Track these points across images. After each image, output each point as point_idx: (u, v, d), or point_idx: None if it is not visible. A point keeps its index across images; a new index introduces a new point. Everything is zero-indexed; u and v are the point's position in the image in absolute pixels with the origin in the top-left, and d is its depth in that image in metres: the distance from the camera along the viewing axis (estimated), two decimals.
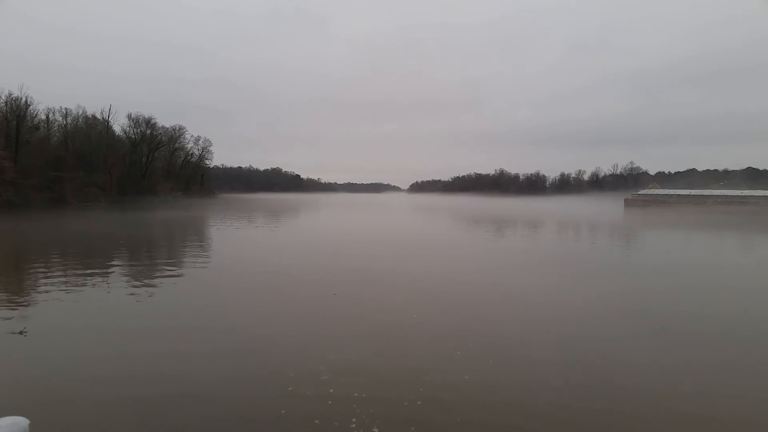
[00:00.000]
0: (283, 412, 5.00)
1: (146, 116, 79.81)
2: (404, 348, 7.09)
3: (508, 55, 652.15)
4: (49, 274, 12.66)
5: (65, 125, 69.97)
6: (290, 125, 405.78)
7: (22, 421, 2.07)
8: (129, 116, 77.98)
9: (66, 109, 69.79)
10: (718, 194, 72.78)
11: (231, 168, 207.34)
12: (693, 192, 77.59)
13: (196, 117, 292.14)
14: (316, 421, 4.80)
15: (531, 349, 7.16)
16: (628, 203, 78.62)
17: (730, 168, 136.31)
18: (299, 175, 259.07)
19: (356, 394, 5.42)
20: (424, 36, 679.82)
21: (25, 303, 9.62)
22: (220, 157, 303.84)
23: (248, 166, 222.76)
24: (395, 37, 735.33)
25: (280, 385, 5.66)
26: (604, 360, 6.72)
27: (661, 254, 20.45)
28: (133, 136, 77.63)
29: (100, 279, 12.16)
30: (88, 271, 13.21)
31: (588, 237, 28.46)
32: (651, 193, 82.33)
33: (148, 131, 79.25)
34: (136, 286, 11.30)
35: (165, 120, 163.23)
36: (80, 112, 71.06)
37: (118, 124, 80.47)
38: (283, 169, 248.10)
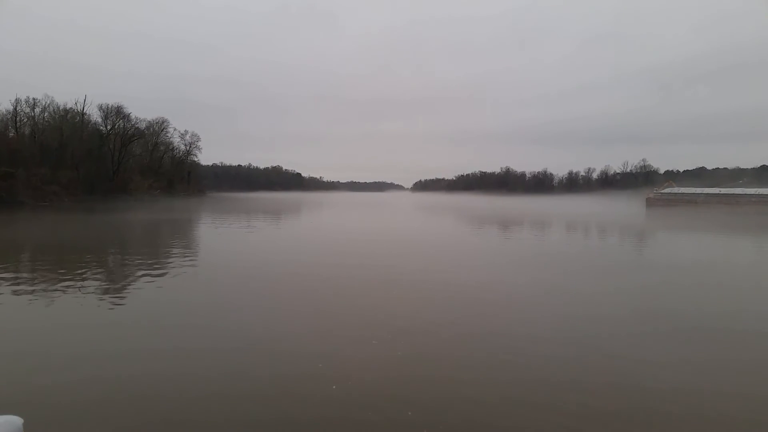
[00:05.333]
0: (281, 412, 4.94)
1: (115, 105, 72.80)
2: (409, 347, 6.94)
3: (518, 50, 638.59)
4: None
5: (33, 116, 64.17)
6: (295, 123, 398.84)
7: (16, 420, 2.02)
8: (100, 107, 71.27)
9: (34, 99, 63.92)
10: (752, 193, 65.32)
11: (230, 166, 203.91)
12: (723, 191, 70.24)
13: (199, 114, 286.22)
14: (315, 421, 4.75)
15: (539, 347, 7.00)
16: (650, 203, 71.49)
17: (743, 166, 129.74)
18: (300, 174, 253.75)
19: (357, 394, 5.36)
20: (433, 31, 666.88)
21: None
22: (222, 155, 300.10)
23: (248, 164, 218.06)
24: (404, 33, 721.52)
25: (279, 384, 5.60)
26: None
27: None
28: (103, 129, 71.09)
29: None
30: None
31: (621, 243, 22.10)
32: (675, 191, 75.17)
33: (119, 122, 72.33)
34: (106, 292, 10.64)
35: (170, 117, 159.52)
36: (48, 103, 65.01)
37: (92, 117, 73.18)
38: (284, 168, 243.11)
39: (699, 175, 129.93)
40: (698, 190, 73.48)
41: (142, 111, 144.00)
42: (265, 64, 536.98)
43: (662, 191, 77.55)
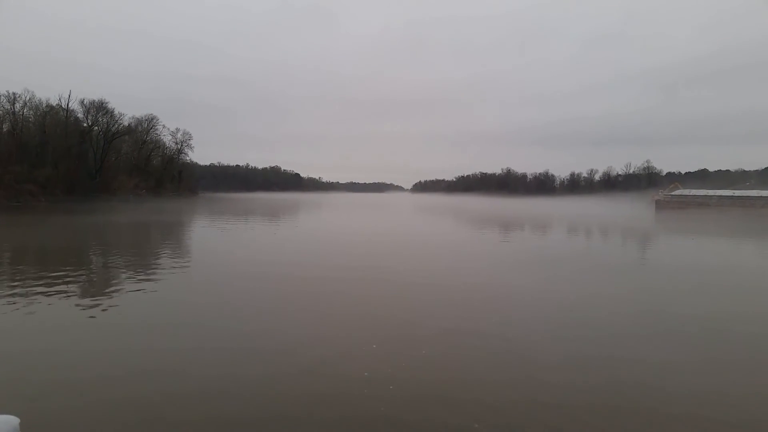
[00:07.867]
0: (279, 412, 4.82)
1: (98, 100, 68.94)
2: (411, 346, 6.90)
3: (520, 50, 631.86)
4: None
5: (13, 112, 60.85)
6: (294, 123, 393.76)
7: (13, 420, 2.05)
8: (81, 102, 67.58)
9: (14, 93, 60.64)
10: None
11: (228, 166, 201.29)
12: (737, 193, 67.25)
13: (197, 114, 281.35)
14: (315, 421, 4.64)
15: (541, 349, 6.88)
16: (660, 205, 68.43)
17: (745, 168, 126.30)
18: (299, 174, 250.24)
19: (358, 393, 5.26)
20: (434, 31, 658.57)
21: None
22: (220, 155, 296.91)
23: (246, 164, 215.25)
24: (404, 33, 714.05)
25: (278, 385, 5.49)
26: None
27: None
28: (85, 124, 67.40)
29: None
30: None
31: (655, 254, 18.91)
32: (686, 193, 72.16)
33: (102, 118, 68.60)
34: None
35: (167, 117, 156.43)
36: (28, 98, 61.69)
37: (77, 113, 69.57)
38: (283, 168, 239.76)
39: (702, 177, 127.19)
40: (710, 192, 70.44)
41: (138, 110, 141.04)
42: (264, 63, 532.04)
43: (672, 193, 74.49)
